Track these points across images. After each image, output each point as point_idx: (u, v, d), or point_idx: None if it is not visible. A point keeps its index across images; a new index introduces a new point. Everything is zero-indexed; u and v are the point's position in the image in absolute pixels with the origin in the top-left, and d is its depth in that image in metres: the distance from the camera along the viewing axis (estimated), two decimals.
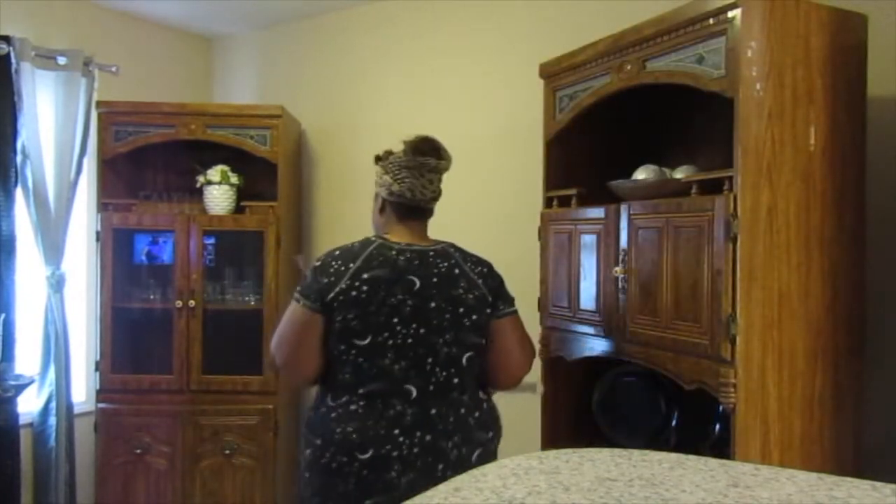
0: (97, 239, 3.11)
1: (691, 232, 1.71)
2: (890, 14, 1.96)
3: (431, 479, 1.59)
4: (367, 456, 1.66)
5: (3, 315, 2.80)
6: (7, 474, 2.83)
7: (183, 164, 3.36)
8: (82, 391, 3.33)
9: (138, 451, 3.07)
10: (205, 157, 3.28)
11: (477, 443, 1.74)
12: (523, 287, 2.49)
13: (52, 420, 3.05)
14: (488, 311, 1.78)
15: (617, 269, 1.92)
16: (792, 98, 1.67)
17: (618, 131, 2.31)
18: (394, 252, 1.75)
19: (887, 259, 1.98)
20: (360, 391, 1.70)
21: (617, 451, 1.03)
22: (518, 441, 2.89)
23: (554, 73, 2.25)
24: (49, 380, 3.06)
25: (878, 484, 0.89)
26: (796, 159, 1.67)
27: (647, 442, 2.10)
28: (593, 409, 2.25)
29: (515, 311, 1.86)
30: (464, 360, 1.75)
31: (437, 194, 1.83)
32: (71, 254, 3.20)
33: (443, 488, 0.88)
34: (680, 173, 1.95)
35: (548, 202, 2.28)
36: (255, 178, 3.30)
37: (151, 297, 3.23)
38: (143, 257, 3.33)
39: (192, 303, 3.07)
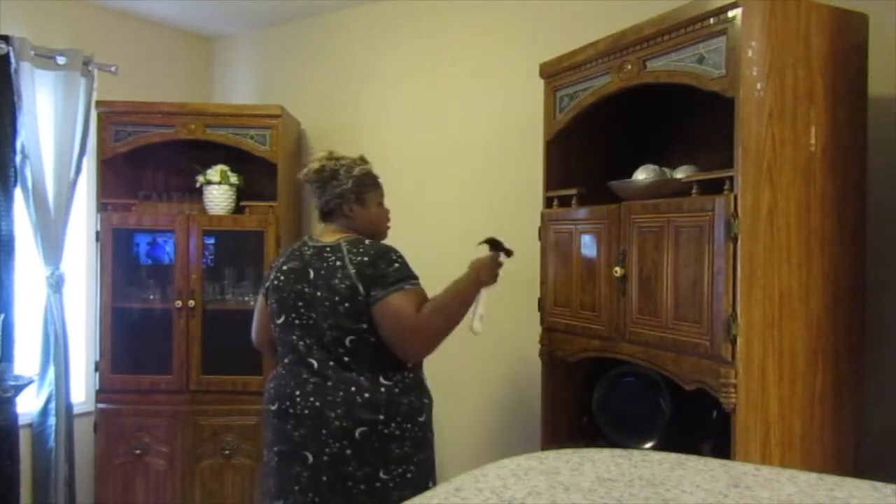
0: (97, 239, 3.11)
1: (692, 232, 1.70)
2: (890, 14, 1.96)
3: (317, 439, 1.86)
4: (274, 407, 1.96)
5: (3, 315, 2.80)
6: (7, 474, 2.83)
7: (182, 163, 3.36)
8: (82, 391, 3.33)
9: (138, 451, 3.06)
10: (204, 156, 3.28)
11: (361, 421, 1.86)
12: (523, 287, 2.50)
13: (52, 420, 3.04)
14: (360, 298, 1.87)
15: (617, 269, 1.92)
16: (792, 98, 1.66)
17: (618, 131, 2.31)
18: (306, 247, 2.03)
19: (887, 259, 1.97)
20: (285, 360, 2.02)
21: (617, 451, 1.03)
22: (518, 441, 2.89)
23: (554, 73, 2.24)
24: (48, 380, 3.05)
25: (879, 484, 0.89)
26: (797, 159, 1.67)
27: (647, 442, 2.10)
28: (593, 409, 2.25)
29: (396, 291, 1.86)
30: (347, 343, 1.90)
31: (318, 201, 2.06)
32: (70, 254, 3.20)
33: (442, 489, 0.88)
34: (680, 173, 1.95)
35: (548, 202, 2.28)
36: (255, 178, 3.30)
37: (151, 297, 3.22)
38: (143, 257, 3.33)
39: (191, 303, 3.07)
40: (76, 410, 3.17)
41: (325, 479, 1.86)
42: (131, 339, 3.19)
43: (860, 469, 1.78)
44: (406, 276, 1.91)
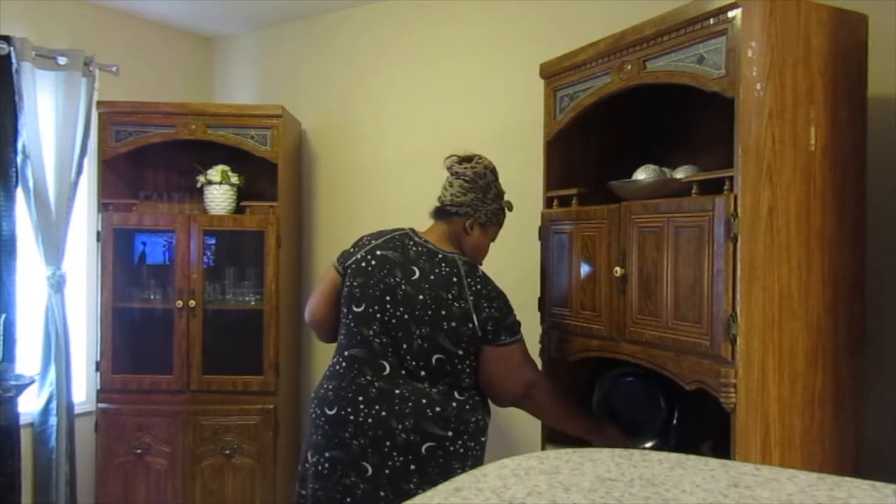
0: (97, 239, 3.11)
1: (692, 232, 1.70)
2: (890, 14, 1.96)
3: (379, 451, 1.76)
4: (332, 412, 1.85)
5: (4, 315, 2.80)
6: (7, 474, 2.83)
7: (183, 164, 3.36)
8: (83, 391, 3.33)
9: (138, 451, 3.07)
10: (205, 157, 3.28)
11: (429, 435, 1.80)
12: (523, 287, 2.49)
13: (53, 420, 3.05)
14: (470, 326, 1.84)
15: (617, 269, 1.92)
16: (792, 98, 1.67)
17: (618, 131, 2.31)
18: (411, 242, 1.94)
19: (887, 259, 1.97)
20: (346, 353, 1.90)
21: (617, 451, 1.03)
22: (518, 441, 2.90)
23: (554, 73, 2.24)
24: (49, 380, 3.06)
25: (879, 484, 0.89)
26: (797, 159, 1.67)
27: (647, 442, 2.10)
28: (593, 409, 2.25)
29: (517, 342, 1.93)
30: (433, 360, 1.83)
31: (451, 198, 2.01)
32: (71, 254, 3.20)
33: (443, 488, 0.88)
34: (680, 173, 1.95)
35: (548, 202, 2.28)
36: (255, 178, 3.30)
37: (152, 297, 3.23)
38: (144, 257, 3.33)
39: (192, 303, 3.07)
40: (77, 410, 3.18)
41: (382, 494, 1.78)
42: (132, 339, 3.19)
43: (860, 469, 1.78)
44: (520, 327, 1.96)
